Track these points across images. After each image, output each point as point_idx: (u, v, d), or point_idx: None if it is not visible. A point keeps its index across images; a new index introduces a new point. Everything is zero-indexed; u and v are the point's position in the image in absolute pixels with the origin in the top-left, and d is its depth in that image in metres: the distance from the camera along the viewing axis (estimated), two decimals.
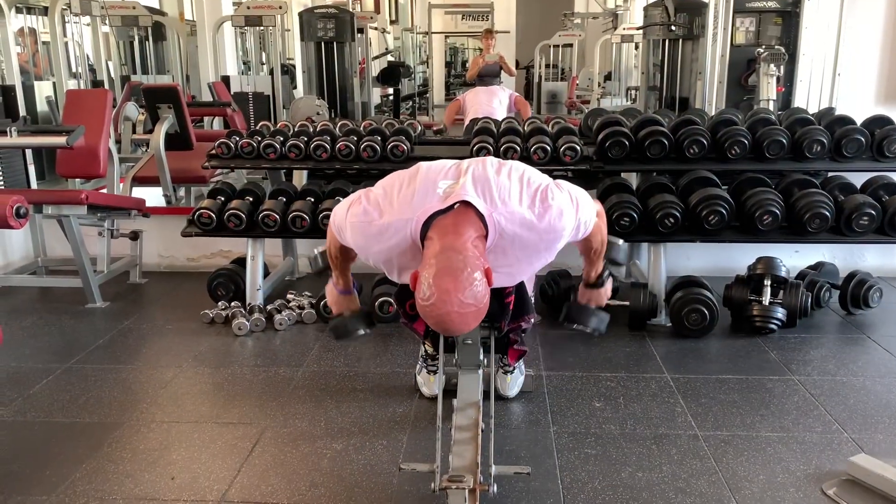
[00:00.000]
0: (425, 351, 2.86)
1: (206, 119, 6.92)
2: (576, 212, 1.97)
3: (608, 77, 10.41)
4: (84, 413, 2.80)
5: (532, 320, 2.34)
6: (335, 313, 2.50)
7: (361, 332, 2.46)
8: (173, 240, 4.53)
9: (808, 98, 6.00)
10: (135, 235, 4.37)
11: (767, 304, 3.46)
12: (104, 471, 2.40)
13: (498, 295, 2.07)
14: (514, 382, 2.84)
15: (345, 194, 3.82)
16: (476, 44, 15.97)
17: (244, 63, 8.72)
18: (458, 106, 6.39)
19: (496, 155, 3.71)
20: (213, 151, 3.98)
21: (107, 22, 6.47)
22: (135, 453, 2.51)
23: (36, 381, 3.08)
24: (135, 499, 2.25)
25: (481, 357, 2.40)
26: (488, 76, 7.80)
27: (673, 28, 6.71)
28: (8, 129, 3.67)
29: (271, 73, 7.72)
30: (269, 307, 3.76)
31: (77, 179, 4.70)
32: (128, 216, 4.21)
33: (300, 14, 7.70)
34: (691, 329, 3.44)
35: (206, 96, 7.53)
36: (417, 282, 1.77)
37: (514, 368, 2.80)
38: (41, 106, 5.86)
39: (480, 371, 2.41)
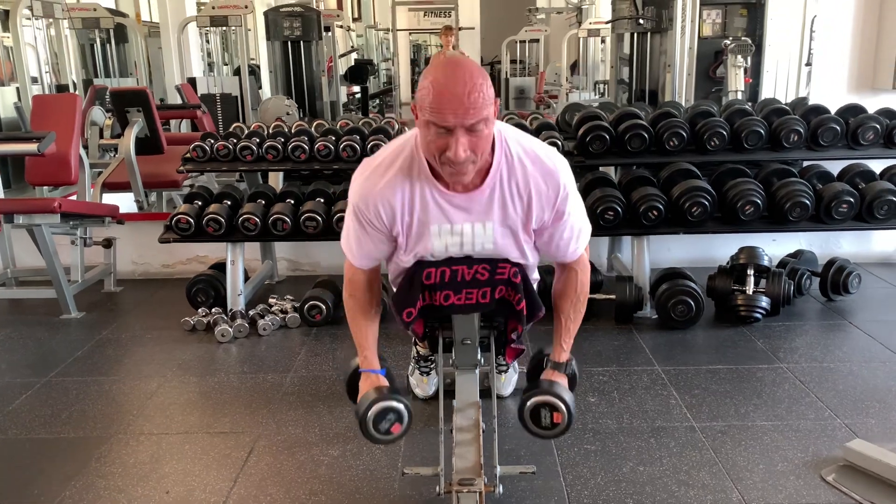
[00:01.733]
0: (417, 352, 2.82)
1: (172, 122, 6.78)
2: (579, 202, 1.95)
3: (573, 67, 10.43)
4: (68, 428, 2.72)
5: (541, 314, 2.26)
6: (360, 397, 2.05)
7: (391, 424, 1.96)
8: (147, 246, 4.43)
9: (776, 88, 6.09)
10: (108, 243, 4.26)
11: (751, 293, 3.49)
12: (95, 487, 2.33)
13: (509, 305, 2.03)
14: (508, 381, 2.82)
15: (325, 195, 3.77)
16: (438, 41, 15.96)
17: (208, 64, 8.58)
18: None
19: None
20: (189, 155, 3.90)
21: (68, 24, 6.31)
22: (125, 468, 2.44)
23: (14, 396, 2.98)
24: None
25: (479, 357, 2.38)
26: None
27: (641, 21, 6.76)
28: None
29: (237, 73, 7.60)
30: (251, 312, 3.69)
31: (45, 187, 4.56)
32: (101, 223, 4.10)
33: (266, 13, 7.59)
34: (678, 320, 3.46)
35: (171, 98, 7.39)
36: (420, 79, 1.68)
37: (507, 367, 2.78)
38: (5, 112, 5.69)
39: (477, 371, 2.39)
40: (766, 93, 5.99)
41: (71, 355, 3.39)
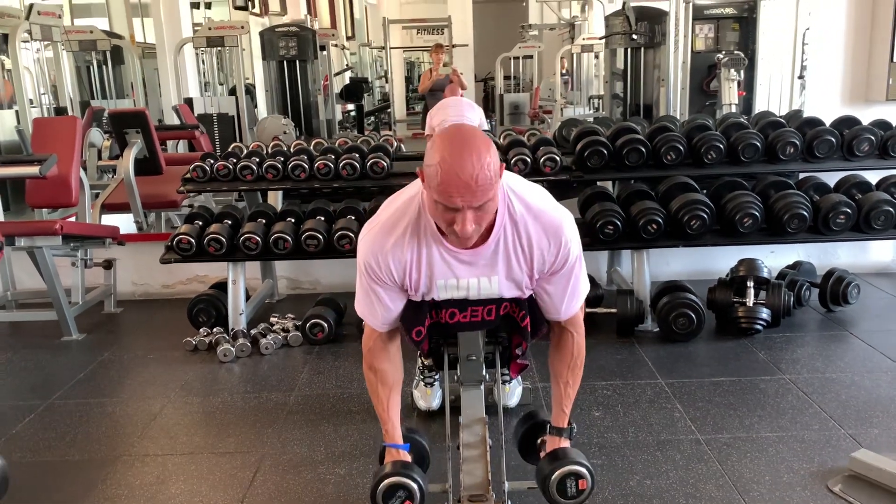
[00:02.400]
0: (422, 363, 2.83)
1: (169, 142, 6.80)
2: (580, 261, 1.94)
3: (565, 80, 10.48)
4: (73, 450, 2.71)
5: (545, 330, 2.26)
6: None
7: (402, 501, 1.92)
8: (147, 267, 4.44)
9: (769, 101, 6.15)
10: (108, 264, 4.26)
11: (752, 305, 3.51)
12: None
13: (513, 322, 2.03)
14: (512, 392, 2.83)
15: (325, 213, 3.79)
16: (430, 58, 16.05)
17: (204, 84, 8.61)
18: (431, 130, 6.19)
19: None
20: (189, 175, 3.90)
21: (65, 47, 6.33)
22: (132, 489, 2.44)
23: (18, 419, 2.97)
24: None
25: (483, 372, 2.38)
26: (440, 90, 7.81)
27: (634, 37, 6.81)
28: None
29: (232, 93, 7.63)
30: (252, 331, 3.70)
31: (44, 209, 4.57)
32: (102, 245, 4.11)
33: (261, 33, 7.63)
34: (679, 333, 3.47)
35: (168, 119, 7.40)
36: (426, 155, 1.68)
37: (511, 379, 2.79)
38: (4, 136, 5.70)
39: (483, 386, 2.39)
40: (759, 106, 6.06)
41: (73, 377, 3.38)
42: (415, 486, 1.91)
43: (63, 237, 3.64)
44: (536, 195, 1.88)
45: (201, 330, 3.75)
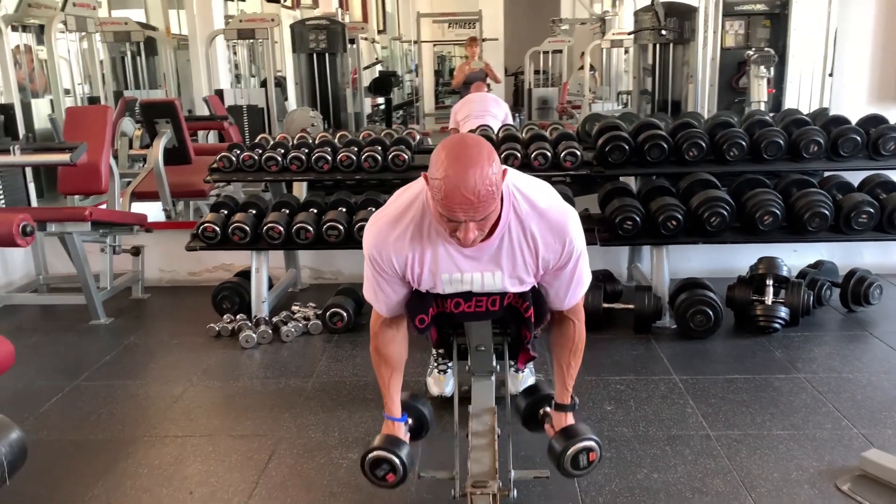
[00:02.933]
0: (436, 351, 2.88)
1: (200, 133, 6.92)
2: (584, 254, 1.97)
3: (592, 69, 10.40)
4: (97, 430, 2.80)
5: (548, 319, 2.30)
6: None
7: (386, 473, 2.06)
8: (174, 254, 4.53)
9: (799, 99, 6.08)
10: (136, 251, 4.37)
11: (770, 303, 3.50)
12: (122, 487, 2.40)
13: (516, 312, 2.07)
14: (525, 381, 2.86)
15: (347, 204, 3.84)
16: (463, 52, 16.06)
17: (235, 76, 8.72)
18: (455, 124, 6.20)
19: None
20: (215, 165, 3.99)
21: (100, 38, 6.48)
22: (151, 469, 2.52)
23: (45, 399, 3.07)
24: None
25: (494, 363, 2.42)
26: (474, 83, 7.82)
27: (663, 32, 6.78)
28: (11, 148, 3.67)
29: (263, 85, 7.73)
30: (274, 319, 3.77)
31: (76, 196, 4.68)
32: (130, 232, 4.21)
33: (292, 26, 7.72)
34: (696, 330, 3.47)
35: (199, 110, 7.53)
36: (431, 164, 1.72)
37: (524, 369, 2.83)
38: (39, 123, 5.85)
39: (493, 377, 2.43)
40: (789, 103, 5.99)
41: (100, 360, 3.48)
42: (398, 461, 2.05)
43: (92, 223, 3.74)
44: (541, 193, 1.92)
45: (225, 317, 3.83)
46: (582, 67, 9.63)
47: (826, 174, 3.95)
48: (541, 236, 1.85)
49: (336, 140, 4.16)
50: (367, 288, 2.04)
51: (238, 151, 4.00)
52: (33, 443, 2.66)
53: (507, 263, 1.89)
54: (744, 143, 3.72)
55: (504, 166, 1.78)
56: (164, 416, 2.92)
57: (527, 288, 1.98)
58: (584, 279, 2.00)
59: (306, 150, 3.95)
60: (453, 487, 2.10)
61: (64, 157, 3.62)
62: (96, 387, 3.19)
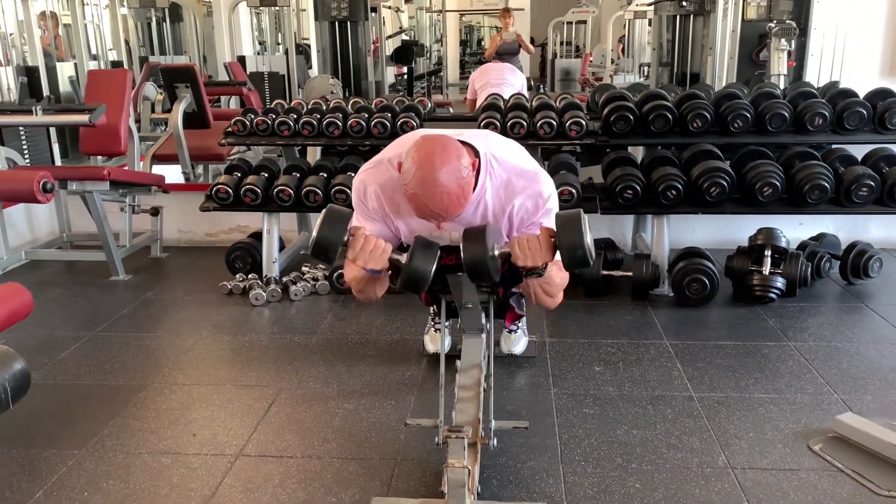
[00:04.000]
0: (433, 311, 2.99)
1: (223, 98, 7.05)
2: (556, 206, 2.07)
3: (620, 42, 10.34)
4: (110, 377, 2.97)
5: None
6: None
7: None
8: (192, 215, 4.67)
9: (820, 72, 6.02)
10: (155, 211, 4.52)
11: (767, 273, 3.55)
12: (130, 428, 2.56)
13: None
14: (517, 340, 2.97)
15: (355, 169, 3.93)
16: (491, 22, 15.98)
17: (260, 43, 8.82)
18: (473, 93, 6.24)
19: (503, 130, 3.81)
20: (230, 129, 4.11)
21: (125, 4, 6.60)
22: (158, 413, 2.67)
23: (64, 347, 3.24)
24: (158, 453, 2.41)
25: (483, 321, 2.52)
26: (507, 54, 7.82)
27: (684, 3, 6.74)
28: (34, 108, 3.82)
29: (286, 52, 7.83)
30: (284, 279, 3.90)
31: (99, 157, 4.85)
32: (148, 192, 4.36)
33: None
34: (692, 298, 3.54)
35: (224, 76, 7.66)
36: (402, 166, 1.84)
37: (517, 329, 2.94)
38: (63, 86, 6.02)
39: (483, 335, 2.53)
40: (809, 76, 5.93)
41: (116, 313, 3.65)
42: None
43: (110, 183, 3.89)
44: (516, 157, 2.02)
45: (237, 275, 3.97)
46: (608, 40, 9.58)
47: (832, 147, 3.97)
48: (515, 198, 1.95)
49: (349, 106, 4.25)
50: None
51: (252, 116, 4.11)
52: (51, 386, 2.87)
53: (480, 223, 1.99)
54: (748, 115, 3.74)
55: (474, 158, 1.90)
56: (174, 365, 3.07)
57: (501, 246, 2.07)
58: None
59: (318, 116, 4.05)
60: (437, 435, 2.21)
61: (83, 118, 3.76)
62: (112, 337, 3.36)
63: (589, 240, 1.87)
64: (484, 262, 1.93)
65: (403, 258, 1.97)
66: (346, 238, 1.95)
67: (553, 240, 1.90)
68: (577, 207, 3.56)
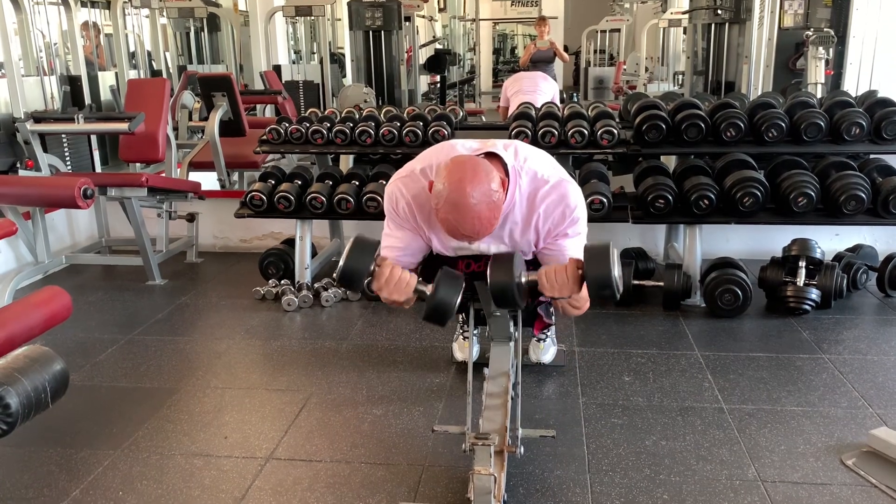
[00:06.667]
0: (462, 318, 3.01)
1: (258, 107, 7.17)
2: (584, 216, 2.09)
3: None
4: (145, 379, 3.03)
5: None
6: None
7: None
8: (227, 222, 4.75)
9: (859, 81, 5.94)
10: (191, 217, 4.61)
11: (802, 285, 3.50)
12: (164, 430, 2.61)
13: None
14: (546, 349, 2.97)
15: (386, 177, 3.98)
16: (525, 30, 16.02)
17: (295, 52, 8.94)
18: (506, 101, 6.24)
19: (534, 139, 3.82)
20: (264, 137, 4.18)
21: (164, 14, 6.75)
22: (191, 415, 2.72)
23: (102, 350, 3.32)
24: (191, 455, 2.45)
25: (511, 329, 2.53)
26: (541, 62, 7.84)
27: (719, 12, 6.69)
28: (75, 116, 3.93)
29: (321, 62, 7.94)
30: (316, 285, 3.95)
31: (138, 164, 4.96)
32: (185, 199, 4.45)
33: (349, 3, 7.88)
34: (724, 309, 3.51)
35: (259, 85, 7.78)
36: (433, 185, 1.87)
37: (546, 337, 2.94)
38: (104, 95, 6.17)
39: (512, 343, 2.54)
40: (848, 85, 5.86)
41: (153, 317, 3.73)
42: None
43: (148, 189, 3.98)
44: (544, 167, 2.04)
45: (270, 281, 4.03)
46: (642, 48, 9.54)
47: (869, 157, 3.90)
48: (544, 210, 1.98)
49: (381, 115, 4.30)
50: (383, 238, 2.19)
51: (286, 125, 4.17)
52: (89, 387, 2.94)
53: (508, 238, 2.02)
54: (783, 125, 3.70)
55: (503, 175, 1.92)
56: (208, 369, 3.13)
57: (528, 257, 2.09)
58: (579, 254, 2.09)
59: (351, 125, 4.09)
60: (464, 442, 2.22)
61: (123, 126, 3.86)
62: (148, 341, 3.43)
63: (617, 273, 1.91)
64: (511, 290, 1.98)
65: (428, 289, 2.00)
66: (372, 268, 2.00)
67: (580, 272, 1.94)
68: (608, 216, 3.56)
